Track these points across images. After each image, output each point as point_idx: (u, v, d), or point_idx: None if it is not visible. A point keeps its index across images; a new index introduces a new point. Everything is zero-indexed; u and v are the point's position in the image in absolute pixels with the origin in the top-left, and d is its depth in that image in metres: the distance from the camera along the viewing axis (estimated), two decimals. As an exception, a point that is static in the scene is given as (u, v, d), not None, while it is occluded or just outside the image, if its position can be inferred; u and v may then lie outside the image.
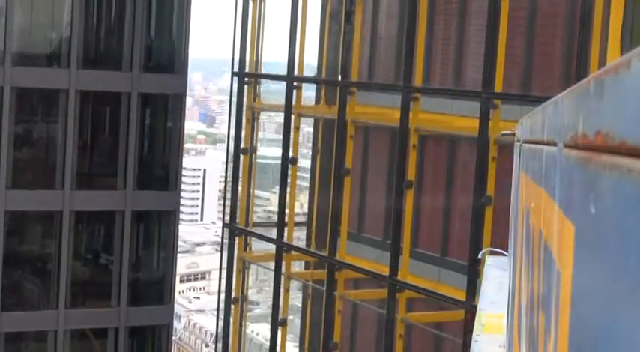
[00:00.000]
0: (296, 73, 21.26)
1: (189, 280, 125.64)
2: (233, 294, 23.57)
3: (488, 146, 16.30)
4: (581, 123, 1.32)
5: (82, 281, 30.82)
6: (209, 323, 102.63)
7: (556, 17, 18.14)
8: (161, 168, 31.56)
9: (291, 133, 21.41)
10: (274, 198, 23.27)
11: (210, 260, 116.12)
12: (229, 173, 23.75)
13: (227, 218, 23.36)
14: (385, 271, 18.65)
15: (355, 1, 19.82)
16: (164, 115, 31.54)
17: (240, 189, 23.08)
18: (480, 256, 6.95)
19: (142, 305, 30.82)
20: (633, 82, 0.98)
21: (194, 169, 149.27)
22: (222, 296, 23.90)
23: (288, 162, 21.19)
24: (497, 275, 6.29)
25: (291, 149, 21.43)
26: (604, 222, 1.14)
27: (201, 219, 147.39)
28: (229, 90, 23.64)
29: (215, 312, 25.41)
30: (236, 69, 22.91)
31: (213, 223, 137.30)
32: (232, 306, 23.59)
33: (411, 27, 18.17)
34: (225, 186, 24.01)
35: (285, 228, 21.59)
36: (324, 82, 22.62)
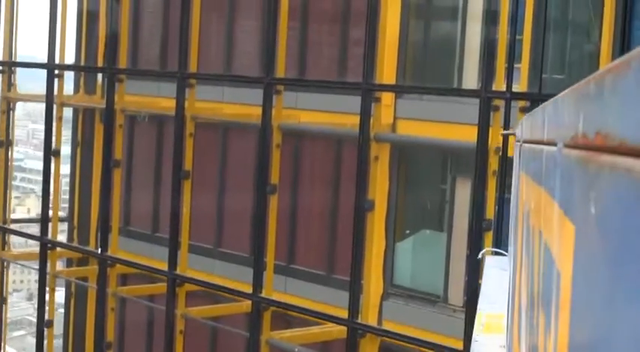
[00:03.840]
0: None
1: None
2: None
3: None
4: (581, 123, 1.32)
5: None
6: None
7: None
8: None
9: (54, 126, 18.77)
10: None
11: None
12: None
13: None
14: None
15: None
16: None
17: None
18: (480, 256, 6.95)
19: None
20: (633, 82, 0.98)
21: None
22: None
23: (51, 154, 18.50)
24: (497, 275, 6.29)
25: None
26: (604, 222, 1.14)
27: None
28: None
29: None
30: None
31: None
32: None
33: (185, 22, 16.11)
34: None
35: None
36: (87, 69, 21.40)
